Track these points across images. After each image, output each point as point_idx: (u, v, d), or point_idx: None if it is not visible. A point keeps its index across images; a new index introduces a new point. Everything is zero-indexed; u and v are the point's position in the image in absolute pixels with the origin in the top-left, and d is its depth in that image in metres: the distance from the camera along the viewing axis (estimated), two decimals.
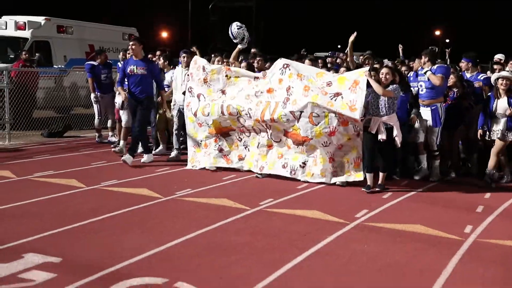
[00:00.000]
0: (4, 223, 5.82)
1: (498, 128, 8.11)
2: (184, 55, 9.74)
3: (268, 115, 8.14)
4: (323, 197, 7.45)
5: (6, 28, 14.80)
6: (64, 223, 5.80)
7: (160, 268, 4.68)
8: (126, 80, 9.36)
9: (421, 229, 6.08)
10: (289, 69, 8.29)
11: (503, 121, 8.07)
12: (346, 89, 7.71)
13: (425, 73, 8.46)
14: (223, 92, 8.85)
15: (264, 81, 8.58)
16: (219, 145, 8.96)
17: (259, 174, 8.58)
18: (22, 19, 14.91)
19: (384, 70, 7.79)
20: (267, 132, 8.42)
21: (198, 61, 9.22)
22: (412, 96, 8.65)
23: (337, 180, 8.08)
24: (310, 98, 7.82)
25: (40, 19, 15.12)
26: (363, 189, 7.77)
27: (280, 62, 8.51)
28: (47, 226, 5.69)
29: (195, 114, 8.95)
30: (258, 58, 10.24)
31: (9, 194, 7.03)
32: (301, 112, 7.85)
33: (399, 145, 7.77)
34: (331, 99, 7.73)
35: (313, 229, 5.95)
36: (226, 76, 8.85)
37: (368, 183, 7.87)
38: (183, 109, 9.36)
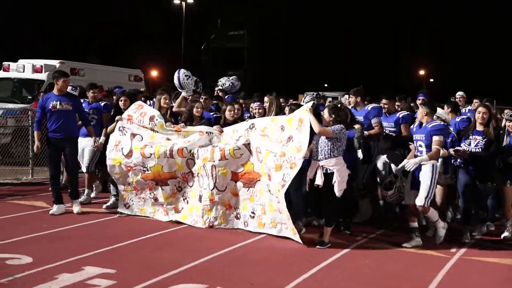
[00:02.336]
0: (58, 243, 6.79)
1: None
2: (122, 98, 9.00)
3: (217, 151, 7.54)
4: None
5: (23, 71, 15.85)
6: (109, 243, 6.77)
7: (199, 277, 5.66)
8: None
9: (413, 249, 7.09)
10: (255, 128, 7.75)
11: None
12: (294, 130, 7.22)
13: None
14: (168, 139, 8.14)
15: (219, 136, 8.06)
16: (154, 194, 8.14)
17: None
18: (39, 62, 15.97)
19: (325, 110, 7.12)
20: (212, 179, 7.59)
21: (145, 107, 8.49)
22: (359, 134, 7.58)
23: (286, 234, 7.23)
24: (260, 138, 7.53)
25: (55, 63, 16.16)
26: (317, 246, 6.95)
27: (247, 123, 7.93)
28: (95, 245, 6.65)
29: (127, 155, 8.10)
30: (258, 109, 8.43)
31: (53, 221, 7.98)
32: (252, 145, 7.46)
33: (338, 194, 6.81)
34: (283, 146, 7.22)
35: (323, 249, 6.93)
36: (176, 131, 8.22)
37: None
38: None
